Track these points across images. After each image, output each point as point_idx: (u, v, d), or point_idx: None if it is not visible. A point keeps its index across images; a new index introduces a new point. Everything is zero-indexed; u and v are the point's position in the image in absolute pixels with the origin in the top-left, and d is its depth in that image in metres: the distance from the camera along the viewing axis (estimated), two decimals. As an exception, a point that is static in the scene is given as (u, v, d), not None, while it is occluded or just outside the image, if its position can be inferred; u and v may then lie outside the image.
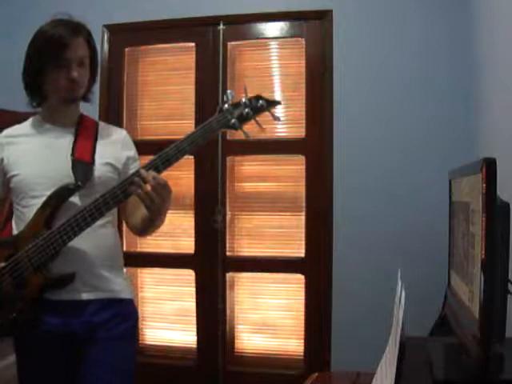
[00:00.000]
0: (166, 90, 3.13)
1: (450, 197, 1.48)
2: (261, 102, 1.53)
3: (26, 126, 1.68)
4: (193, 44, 3.06)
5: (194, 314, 3.02)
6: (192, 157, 3.00)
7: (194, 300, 3.02)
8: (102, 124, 1.74)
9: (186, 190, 3.02)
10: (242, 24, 3.00)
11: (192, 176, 3.01)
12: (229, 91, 1.54)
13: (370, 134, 2.81)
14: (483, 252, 0.97)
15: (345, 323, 2.80)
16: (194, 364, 3.02)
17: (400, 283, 1.10)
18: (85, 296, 1.58)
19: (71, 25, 1.58)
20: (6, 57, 3.16)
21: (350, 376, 1.44)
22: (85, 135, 1.65)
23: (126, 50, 3.13)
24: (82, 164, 1.59)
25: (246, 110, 1.52)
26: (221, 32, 3.00)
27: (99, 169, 1.61)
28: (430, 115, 2.73)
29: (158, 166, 1.48)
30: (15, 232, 1.61)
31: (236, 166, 3.02)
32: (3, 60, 3.16)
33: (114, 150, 1.68)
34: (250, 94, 1.54)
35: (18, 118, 1.70)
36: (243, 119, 1.52)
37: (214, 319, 2.97)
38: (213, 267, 2.98)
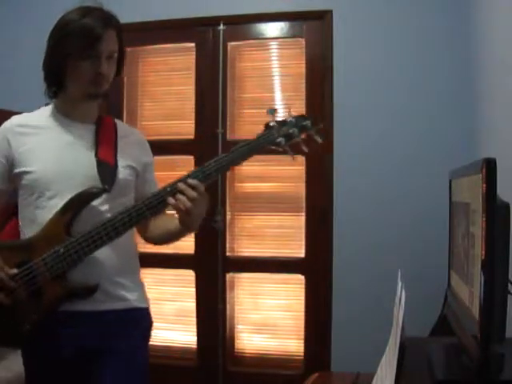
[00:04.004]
0: (166, 90, 3.13)
1: (450, 197, 1.48)
2: (306, 121, 1.50)
3: (39, 117, 1.55)
4: (193, 44, 3.06)
5: (194, 314, 3.02)
6: (192, 157, 3.01)
7: (194, 300, 3.02)
8: (119, 123, 1.64)
9: (186, 190, 3.01)
10: (242, 24, 3.00)
11: (192, 176, 3.01)
12: (273, 107, 1.51)
13: (370, 134, 2.81)
14: (483, 252, 0.97)
15: (345, 323, 2.80)
16: (193, 364, 3.02)
17: (400, 283, 1.10)
18: (103, 306, 1.48)
19: (103, 15, 1.47)
20: (5, 56, 3.17)
21: (349, 376, 1.43)
22: (106, 135, 1.54)
23: (126, 50, 3.12)
24: (107, 166, 1.49)
25: (293, 128, 1.48)
26: (221, 32, 3.00)
27: (122, 172, 1.52)
28: (431, 115, 2.73)
29: (202, 178, 1.41)
30: (25, 235, 1.48)
31: (236, 166, 3.02)
32: (3, 60, 3.16)
33: (134, 152, 1.59)
34: (294, 113, 1.52)
35: None
36: (289, 138, 1.48)
37: (214, 319, 2.97)
38: (213, 267, 2.98)
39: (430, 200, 2.65)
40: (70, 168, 1.47)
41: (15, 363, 1.57)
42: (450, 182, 1.48)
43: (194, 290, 3.02)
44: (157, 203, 1.41)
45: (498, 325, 1.03)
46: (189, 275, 3.03)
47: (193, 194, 1.38)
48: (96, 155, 1.49)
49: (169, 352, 3.07)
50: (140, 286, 1.61)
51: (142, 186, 1.60)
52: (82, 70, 1.45)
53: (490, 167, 0.97)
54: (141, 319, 1.58)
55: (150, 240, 1.66)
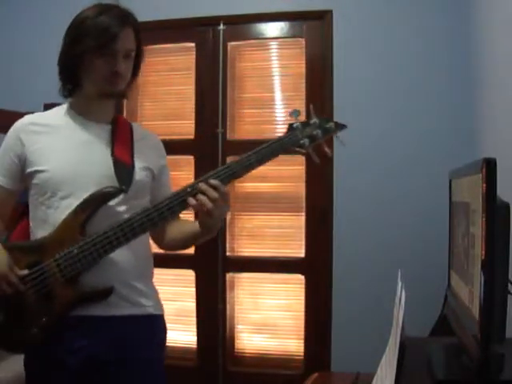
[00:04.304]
0: (166, 90, 3.13)
1: (450, 197, 1.48)
2: (330, 123, 1.47)
3: (53, 115, 1.50)
4: (193, 44, 3.06)
5: (194, 314, 3.02)
6: (192, 157, 3.01)
7: (194, 300, 3.02)
8: (134, 125, 1.60)
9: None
10: (242, 24, 3.00)
11: (192, 176, 3.01)
12: (296, 109, 1.46)
13: (370, 134, 2.81)
14: (483, 252, 0.97)
15: (345, 323, 2.80)
16: (194, 364, 3.02)
17: (400, 283, 1.10)
18: (117, 311, 1.43)
19: (120, 13, 1.44)
20: (5, 56, 3.17)
21: (349, 376, 1.43)
22: (122, 135, 1.50)
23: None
24: (124, 166, 1.44)
25: (317, 130, 1.44)
26: (221, 32, 3.00)
27: (139, 173, 1.47)
28: (431, 115, 2.73)
29: (223, 179, 1.37)
30: (36, 236, 1.44)
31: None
32: (3, 60, 3.16)
33: (150, 154, 1.55)
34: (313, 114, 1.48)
35: (18, 118, 1.55)
36: (313, 140, 1.44)
37: (214, 319, 2.97)
38: (213, 267, 2.98)
39: (430, 200, 2.65)
40: (84, 167, 1.42)
41: (15, 363, 1.56)
42: (450, 181, 1.48)
43: (193, 289, 3.02)
44: (177, 204, 1.37)
45: (498, 325, 1.03)
46: (189, 275, 3.03)
47: (214, 194, 1.35)
48: (112, 155, 1.44)
49: (169, 352, 3.05)
50: (155, 292, 1.57)
51: (157, 189, 1.56)
52: (98, 68, 1.41)
53: (490, 167, 0.97)
54: (157, 328, 1.55)
55: (166, 246, 1.61)
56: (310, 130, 1.44)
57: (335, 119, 2.84)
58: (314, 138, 1.44)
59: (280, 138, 1.43)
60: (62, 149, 1.44)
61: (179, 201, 1.37)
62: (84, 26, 1.41)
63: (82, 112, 1.49)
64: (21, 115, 1.55)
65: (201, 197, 1.35)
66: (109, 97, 1.47)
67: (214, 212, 1.35)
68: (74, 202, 1.39)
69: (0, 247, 1.39)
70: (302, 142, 1.43)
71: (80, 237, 1.37)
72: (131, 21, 1.46)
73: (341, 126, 1.49)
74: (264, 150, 1.41)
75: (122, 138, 1.50)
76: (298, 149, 1.44)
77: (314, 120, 1.45)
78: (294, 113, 1.45)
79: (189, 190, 1.37)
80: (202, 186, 1.36)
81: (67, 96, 1.50)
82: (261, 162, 1.41)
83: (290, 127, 1.44)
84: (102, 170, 1.42)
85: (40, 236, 1.42)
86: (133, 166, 1.46)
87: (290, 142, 1.43)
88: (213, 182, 1.36)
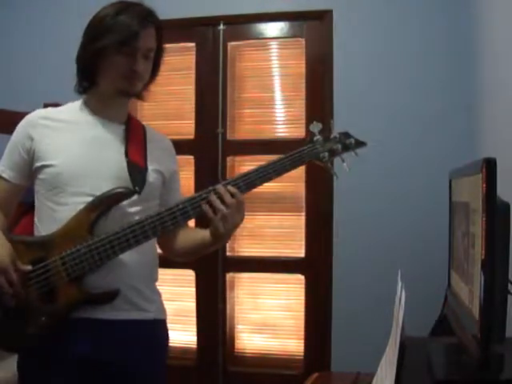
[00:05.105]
0: (166, 90, 3.13)
1: (450, 197, 1.49)
2: (350, 139, 1.49)
3: (66, 111, 1.48)
4: (193, 44, 3.06)
5: (194, 314, 3.02)
6: (192, 157, 3.01)
7: (194, 300, 3.02)
8: (147, 127, 1.59)
9: (186, 190, 3.00)
10: (242, 24, 3.00)
11: (192, 176, 3.01)
12: (316, 123, 1.47)
13: (370, 134, 2.77)
14: (483, 252, 0.97)
15: (345, 323, 2.80)
16: (193, 364, 3.02)
17: (400, 283, 1.10)
18: (121, 315, 1.40)
19: (142, 10, 1.43)
20: (5, 56, 3.17)
21: (349, 376, 1.44)
22: (135, 136, 1.49)
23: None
24: (137, 168, 1.42)
25: (337, 145, 1.47)
26: (221, 32, 3.00)
27: (151, 175, 1.46)
28: (431, 115, 2.73)
29: (240, 187, 1.39)
30: (41, 233, 1.40)
31: (236, 166, 3.02)
32: (3, 60, 3.16)
33: (163, 158, 1.54)
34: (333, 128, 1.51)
35: (18, 118, 1.54)
36: (332, 154, 1.47)
37: (214, 319, 2.97)
38: (213, 267, 2.98)
39: (430, 200, 2.64)
40: (96, 165, 1.40)
41: (14, 363, 1.55)
42: (450, 181, 1.48)
43: (193, 289, 3.02)
44: (191, 208, 1.38)
45: (498, 325, 1.03)
46: (189, 275, 3.03)
47: (230, 200, 1.35)
48: (126, 155, 1.43)
49: (169, 352, 3.06)
50: (159, 296, 1.56)
51: (166, 193, 1.54)
52: (117, 66, 1.39)
53: (490, 167, 0.97)
54: (159, 332, 1.53)
55: (175, 254, 1.58)
56: (331, 144, 1.47)
57: (335, 119, 2.87)
58: (334, 152, 1.47)
59: (300, 150, 1.45)
60: (73, 144, 1.41)
61: (193, 206, 1.38)
62: (104, 24, 1.39)
63: (96, 109, 1.47)
64: (21, 115, 1.53)
65: (215, 202, 1.35)
66: (125, 95, 1.46)
67: (227, 219, 1.35)
68: (83, 200, 1.36)
69: (4, 240, 1.36)
70: (321, 155, 1.46)
71: (88, 235, 1.35)
72: (153, 19, 1.46)
73: (360, 144, 1.51)
74: (283, 161, 1.43)
75: (135, 139, 1.48)
76: (317, 162, 1.47)
77: (335, 135, 1.48)
78: (315, 127, 1.47)
79: (204, 195, 1.38)
80: (221, 189, 1.36)
81: (82, 92, 1.48)
82: (280, 172, 1.43)
83: (310, 140, 1.46)
84: (115, 170, 1.41)
85: (45, 233, 1.39)
86: (146, 168, 1.45)
87: (310, 155, 1.45)
88: (231, 188, 1.37)
